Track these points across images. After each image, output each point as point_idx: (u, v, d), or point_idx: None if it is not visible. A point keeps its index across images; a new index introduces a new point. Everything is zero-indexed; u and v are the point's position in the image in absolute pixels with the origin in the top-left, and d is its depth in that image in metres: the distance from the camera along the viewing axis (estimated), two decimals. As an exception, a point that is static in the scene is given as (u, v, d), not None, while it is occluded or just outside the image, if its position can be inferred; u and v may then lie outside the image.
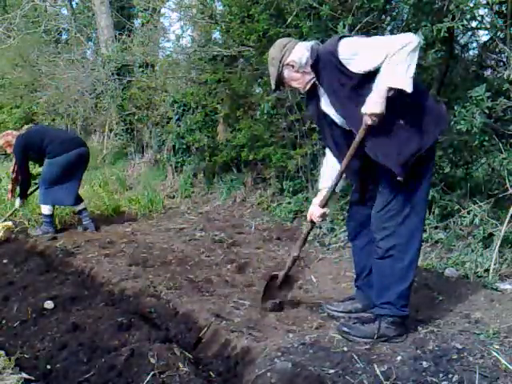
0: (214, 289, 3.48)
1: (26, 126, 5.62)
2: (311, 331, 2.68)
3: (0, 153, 10.40)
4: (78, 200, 5.48)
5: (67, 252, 4.55)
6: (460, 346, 2.43)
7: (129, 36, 9.28)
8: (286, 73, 2.55)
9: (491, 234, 3.69)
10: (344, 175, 2.63)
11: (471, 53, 4.79)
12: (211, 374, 2.47)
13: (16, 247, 4.82)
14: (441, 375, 2.22)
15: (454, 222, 4.03)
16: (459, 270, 3.59)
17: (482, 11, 3.67)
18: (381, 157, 2.41)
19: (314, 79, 2.53)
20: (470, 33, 4.50)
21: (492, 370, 2.24)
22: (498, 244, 3.51)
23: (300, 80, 2.55)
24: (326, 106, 2.55)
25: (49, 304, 3.18)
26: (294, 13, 4.34)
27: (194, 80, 7.15)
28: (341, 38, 2.43)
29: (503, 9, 3.50)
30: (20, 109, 12.77)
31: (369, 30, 4.36)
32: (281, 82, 2.60)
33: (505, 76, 3.36)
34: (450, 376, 2.21)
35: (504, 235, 3.53)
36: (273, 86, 2.65)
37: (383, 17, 4.65)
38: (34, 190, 5.81)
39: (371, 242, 2.62)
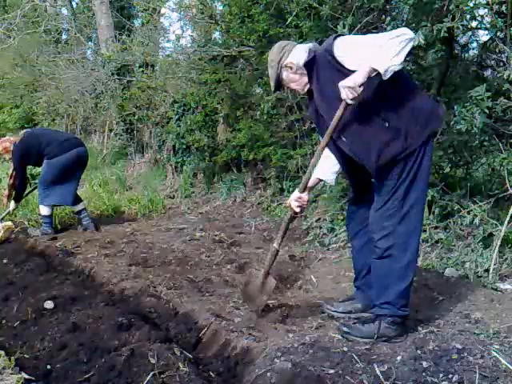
0: (213, 289, 3.48)
1: (21, 132, 5.58)
2: (311, 331, 2.68)
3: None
4: (77, 200, 5.48)
5: (67, 252, 4.55)
6: (460, 346, 2.43)
7: (129, 36, 9.28)
8: (285, 74, 2.57)
9: (491, 234, 3.69)
10: (341, 174, 2.69)
11: (471, 53, 4.79)
12: (211, 373, 2.47)
13: (16, 247, 4.82)
14: (441, 375, 2.22)
15: (454, 222, 4.03)
16: (459, 270, 3.59)
17: (481, 11, 3.67)
18: (360, 156, 2.47)
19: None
20: (470, 33, 4.50)
21: (492, 370, 2.24)
22: (498, 244, 3.51)
23: (298, 81, 2.58)
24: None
25: (49, 304, 3.17)
26: (294, 13, 4.34)
27: (194, 80, 7.15)
28: (336, 36, 2.46)
29: (503, 9, 3.50)
30: (20, 109, 12.79)
31: (369, 30, 4.36)
32: (280, 83, 2.63)
33: (505, 76, 3.36)
34: (450, 376, 2.21)
35: (504, 235, 3.53)
36: (272, 88, 2.68)
37: (383, 17, 4.64)
38: (29, 192, 5.81)
39: (370, 241, 2.62)
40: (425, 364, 2.30)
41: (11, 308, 3.23)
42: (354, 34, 4.00)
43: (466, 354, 2.36)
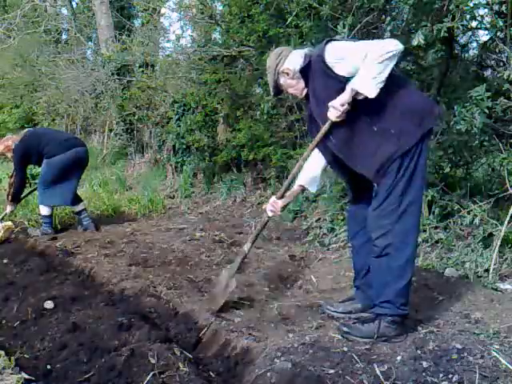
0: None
1: (23, 131, 5.58)
2: (311, 331, 2.68)
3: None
4: (77, 200, 5.48)
5: (67, 252, 4.55)
6: (460, 346, 2.43)
7: (129, 36, 9.28)
8: (282, 80, 2.62)
9: (491, 234, 3.69)
10: (336, 174, 2.80)
11: (471, 53, 4.78)
12: (211, 373, 2.47)
13: (16, 247, 4.82)
14: (441, 375, 2.22)
15: (454, 222, 4.03)
16: (459, 270, 3.59)
17: (481, 11, 3.67)
18: (359, 166, 2.54)
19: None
20: (470, 33, 4.50)
21: (492, 370, 2.24)
22: (498, 244, 3.51)
23: (296, 87, 2.62)
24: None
25: (49, 304, 3.18)
26: (294, 13, 4.34)
27: (194, 80, 7.15)
28: (328, 41, 2.49)
29: (503, 9, 3.50)
30: (20, 109, 12.79)
31: (369, 30, 4.37)
32: (278, 88, 2.68)
33: (505, 76, 3.36)
34: (450, 376, 2.21)
35: (504, 235, 3.53)
36: (272, 94, 2.76)
37: (383, 17, 4.64)
38: (29, 194, 5.81)
39: (369, 241, 2.63)
40: (425, 364, 2.30)
41: (11, 308, 3.23)
42: (354, 35, 4.00)
43: (466, 354, 2.36)
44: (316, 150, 2.72)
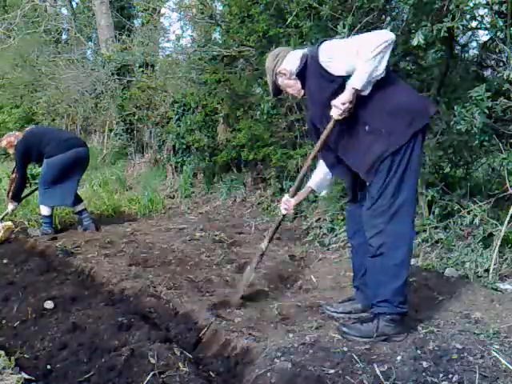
0: (213, 289, 3.48)
1: (27, 128, 5.61)
2: (311, 331, 2.68)
3: (0, 153, 10.42)
4: (78, 200, 5.48)
5: (67, 252, 4.55)
6: (460, 346, 2.43)
7: (129, 36, 9.28)
8: (280, 80, 2.67)
9: (491, 234, 3.69)
10: (336, 174, 2.86)
11: (471, 53, 4.78)
12: (211, 373, 2.47)
13: (16, 247, 4.82)
14: (441, 375, 2.22)
15: (454, 222, 4.03)
16: (459, 270, 3.59)
17: (481, 11, 3.66)
18: (353, 165, 2.59)
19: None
20: (470, 33, 4.50)
21: (492, 370, 2.24)
22: (498, 244, 3.51)
23: (294, 87, 2.66)
24: None
25: (49, 304, 3.18)
26: (294, 13, 4.34)
27: (194, 80, 7.15)
28: (322, 42, 2.53)
29: (503, 9, 3.50)
30: (20, 109, 12.78)
31: (369, 30, 4.35)
32: (278, 89, 2.74)
33: (505, 76, 3.35)
34: (450, 376, 2.21)
35: (504, 235, 3.53)
36: (271, 94, 2.84)
37: (383, 17, 4.64)
38: (31, 193, 5.81)
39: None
40: (425, 364, 2.30)
41: (11, 308, 3.23)
42: (354, 34, 4.00)
43: (465, 354, 2.37)
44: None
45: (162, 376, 2.27)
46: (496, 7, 3.41)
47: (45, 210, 5.30)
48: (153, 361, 2.35)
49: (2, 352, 2.58)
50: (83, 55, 11.49)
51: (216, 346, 2.67)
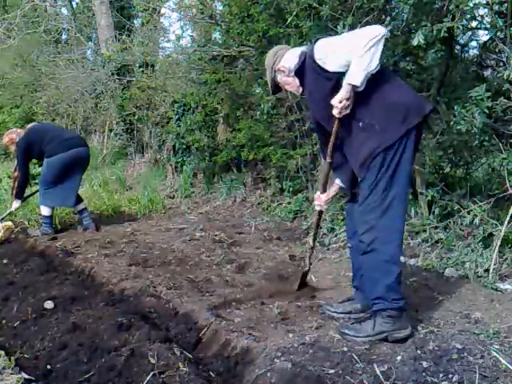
0: (213, 289, 3.48)
1: (29, 125, 5.60)
2: (311, 331, 2.68)
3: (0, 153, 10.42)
4: (78, 200, 5.48)
5: (67, 252, 4.55)
6: (460, 346, 2.43)
7: (129, 36, 9.28)
8: (279, 78, 2.71)
9: (491, 234, 3.69)
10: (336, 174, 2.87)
11: (471, 53, 4.78)
12: (211, 373, 2.47)
13: (16, 247, 4.82)
14: (441, 375, 2.22)
15: (454, 222, 4.03)
16: (459, 270, 3.59)
17: (482, 11, 3.66)
18: (350, 161, 2.62)
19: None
20: (469, 33, 4.49)
21: (492, 370, 2.24)
22: (498, 244, 3.51)
23: (292, 84, 2.69)
24: None
25: (49, 304, 3.18)
26: (294, 13, 4.34)
27: (194, 80, 7.15)
28: (317, 40, 2.56)
29: (503, 9, 3.50)
30: (20, 109, 12.77)
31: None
32: (277, 86, 2.77)
33: (505, 76, 3.35)
34: (450, 376, 2.21)
35: (504, 235, 3.53)
36: (270, 92, 2.88)
37: (383, 17, 4.64)
38: (33, 194, 5.80)
39: None
40: (425, 364, 2.30)
41: (11, 308, 3.23)
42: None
43: (465, 354, 2.37)
44: None
45: (162, 376, 2.27)
46: (496, 7, 3.41)
47: (45, 211, 5.29)
48: (153, 361, 2.35)
49: (2, 352, 2.58)
50: (83, 55, 11.49)
51: (216, 346, 2.67)
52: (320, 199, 2.97)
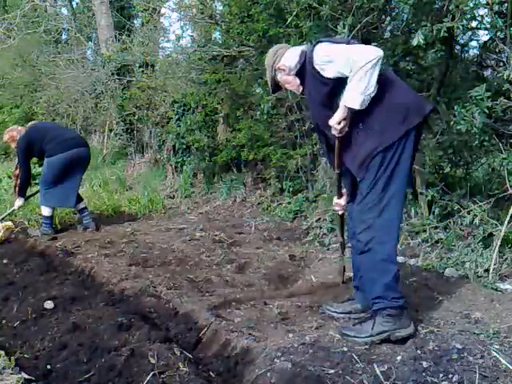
0: (213, 289, 3.48)
1: (30, 123, 5.59)
2: (311, 331, 2.68)
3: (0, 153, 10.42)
4: (78, 199, 5.47)
5: (67, 252, 4.55)
6: (460, 346, 2.43)
7: (129, 36, 9.27)
8: (279, 77, 2.71)
9: (491, 234, 3.69)
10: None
11: (471, 53, 4.78)
12: (211, 373, 2.47)
13: (16, 247, 4.82)
14: (441, 375, 2.22)
15: (454, 222, 4.03)
16: (459, 270, 3.59)
17: (482, 11, 3.66)
18: (347, 162, 2.62)
19: None
20: (469, 33, 4.49)
21: (492, 370, 2.24)
22: (498, 244, 3.51)
23: (292, 83, 2.70)
24: None
25: (49, 304, 3.18)
26: (294, 13, 4.33)
27: (193, 80, 7.15)
28: (316, 44, 2.55)
29: (503, 9, 3.50)
30: (20, 109, 12.76)
31: (369, 30, 4.37)
32: (277, 85, 2.77)
33: (505, 76, 3.36)
34: (450, 376, 2.21)
35: (504, 235, 3.53)
36: (270, 90, 2.88)
37: (383, 17, 4.64)
38: (33, 194, 5.80)
39: None
40: (425, 364, 2.30)
41: (11, 308, 3.23)
42: (354, 35, 4.00)
43: (465, 354, 2.37)
44: None
45: (162, 376, 2.27)
46: (496, 7, 3.40)
47: (45, 211, 5.29)
48: (153, 361, 2.35)
49: (2, 352, 2.58)
50: (83, 55, 11.48)
51: (216, 345, 2.67)
52: (339, 204, 2.96)
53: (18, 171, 5.40)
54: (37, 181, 6.33)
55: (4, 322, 3.10)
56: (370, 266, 2.55)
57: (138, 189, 7.83)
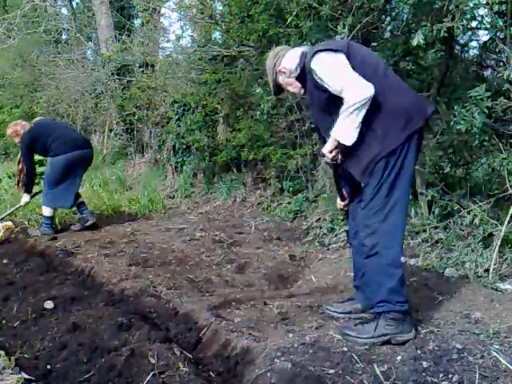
0: (213, 289, 3.48)
1: (35, 119, 5.58)
2: (311, 331, 2.68)
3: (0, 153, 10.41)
4: (76, 196, 5.46)
5: (67, 252, 4.55)
6: (460, 346, 2.43)
7: (129, 36, 9.27)
8: (281, 79, 2.71)
9: (491, 234, 3.69)
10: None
11: (471, 53, 4.78)
12: (211, 373, 2.47)
13: (16, 247, 4.82)
14: (441, 375, 2.22)
15: (454, 222, 4.03)
16: (459, 270, 3.59)
17: (482, 11, 3.66)
18: (348, 167, 2.62)
19: None
20: (469, 33, 4.49)
21: (492, 370, 2.24)
22: (498, 244, 3.51)
23: (294, 85, 2.70)
24: None
25: (49, 304, 3.18)
26: (294, 13, 4.34)
27: (193, 80, 7.15)
28: (314, 54, 2.52)
29: (503, 9, 3.50)
30: (20, 109, 12.75)
31: (369, 30, 4.37)
32: (279, 87, 2.77)
33: (505, 76, 3.36)
34: (450, 376, 2.21)
35: (504, 235, 3.53)
36: (272, 93, 2.90)
37: (383, 17, 4.64)
38: (37, 193, 5.78)
39: None
40: (425, 364, 2.30)
41: (11, 308, 3.23)
42: (354, 35, 4.00)
43: (466, 354, 2.37)
44: None
45: (162, 376, 2.27)
46: (496, 7, 3.40)
47: (46, 211, 5.30)
48: (153, 361, 2.35)
49: (2, 352, 2.58)
50: (83, 55, 11.48)
51: (216, 345, 2.67)
52: (342, 205, 2.97)
53: (20, 166, 5.39)
54: (37, 180, 6.32)
55: (4, 322, 3.10)
56: (376, 270, 2.55)
57: (138, 189, 7.83)
